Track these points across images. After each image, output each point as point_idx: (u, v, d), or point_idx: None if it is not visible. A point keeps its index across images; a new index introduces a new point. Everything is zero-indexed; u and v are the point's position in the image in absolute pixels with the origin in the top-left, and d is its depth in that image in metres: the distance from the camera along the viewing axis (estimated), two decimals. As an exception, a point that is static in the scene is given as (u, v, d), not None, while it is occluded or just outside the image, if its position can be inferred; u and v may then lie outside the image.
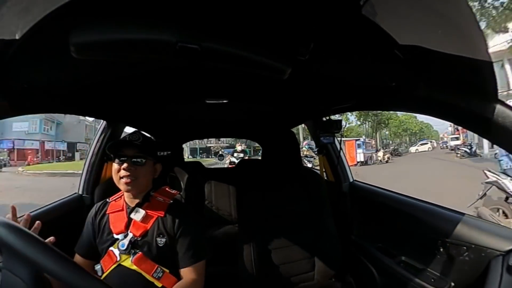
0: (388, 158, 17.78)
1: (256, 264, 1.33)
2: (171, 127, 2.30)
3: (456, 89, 0.62)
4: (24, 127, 23.89)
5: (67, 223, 1.25)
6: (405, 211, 1.26)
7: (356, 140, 15.96)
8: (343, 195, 1.71)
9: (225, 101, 1.44)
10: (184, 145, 3.00)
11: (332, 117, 1.63)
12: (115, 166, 1.08)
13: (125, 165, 1.05)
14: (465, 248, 0.96)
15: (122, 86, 1.12)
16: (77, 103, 1.21)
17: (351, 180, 1.76)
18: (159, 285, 1.01)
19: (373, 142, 22.52)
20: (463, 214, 1.04)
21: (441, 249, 1.05)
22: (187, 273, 1.05)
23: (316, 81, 1.11)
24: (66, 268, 0.52)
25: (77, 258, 1.08)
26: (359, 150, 15.71)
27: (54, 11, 0.44)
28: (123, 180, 1.05)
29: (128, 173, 1.05)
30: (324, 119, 1.63)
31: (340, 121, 1.59)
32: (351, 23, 0.57)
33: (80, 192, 1.57)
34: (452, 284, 1.02)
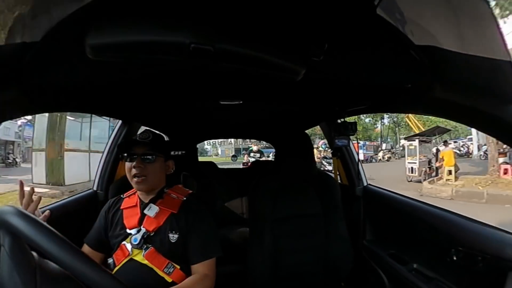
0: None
1: (266, 265, 1.32)
2: (186, 127, 2.34)
3: (473, 90, 0.59)
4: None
5: (81, 218, 1.30)
6: (419, 217, 1.22)
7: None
8: (356, 199, 1.68)
9: (239, 102, 1.45)
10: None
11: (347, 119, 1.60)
12: (127, 164, 1.12)
13: (135, 162, 1.08)
14: (480, 258, 0.91)
15: (137, 86, 1.15)
16: (94, 102, 1.25)
17: (365, 183, 1.72)
18: (169, 280, 1.03)
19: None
20: (480, 223, 0.99)
21: (455, 258, 1.00)
22: (198, 268, 1.06)
23: (330, 82, 1.10)
24: (73, 255, 0.53)
25: (85, 248, 1.12)
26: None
27: (71, 14, 0.46)
28: (135, 179, 1.09)
29: (138, 171, 1.08)
30: (338, 121, 1.60)
31: (355, 123, 1.56)
32: (366, 23, 0.56)
33: (95, 188, 1.63)
34: None
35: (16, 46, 0.48)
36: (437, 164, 9.91)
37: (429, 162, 10.49)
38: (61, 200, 1.42)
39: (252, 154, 7.86)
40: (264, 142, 5.18)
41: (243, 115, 1.96)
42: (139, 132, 1.28)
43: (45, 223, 0.56)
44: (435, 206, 1.19)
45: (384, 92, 1.00)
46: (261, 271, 1.32)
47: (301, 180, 1.49)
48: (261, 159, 7.32)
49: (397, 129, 26.50)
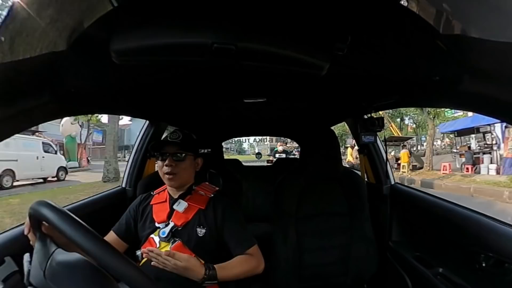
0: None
1: (289, 263, 1.33)
2: (211, 125, 2.39)
3: (505, 82, 0.55)
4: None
5: (110, 214, 1.36)
6: (448, 218, 1.15)
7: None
8: (383, 198, 1.61)
9: (263, 100, 1.46)
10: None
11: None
12: (159, 163, 1.18)
13: (167, 161, 1.14)
14: None
15: (162, 87, 1.19)
16: (121, 104, 1.32)
17: (392, 182, 1.65)
18: None
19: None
20: None
21: (484, 265, 0.93)
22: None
23: (355, 77, 1.07)
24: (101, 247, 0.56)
25: (111, 234, 1.17)
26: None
27: (95, 22, 0.50)
28: (167, 176, 1.15)
29: (170, 169, 1.14)
30: (365, 116, 1.55)
31: (382, 119, 1.50)
32: (389, 14, 0.54)
33: (124, 186, 1.71)
34: None
35: (45, 55, 0.52)
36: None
37: (397, 159, 13.39)
38: (91, 197, 1.50)
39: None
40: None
41: (267, 112, 1.95)
42: (168, 131, 1.34)
43: (74, 216, 0.60)
44: (466, 207, 1.11)
45: (411, 85, 0.95)
46: (285, 269, 1.32)
47: (326, 178, 1.47)
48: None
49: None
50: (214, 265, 1.01)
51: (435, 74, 0.74)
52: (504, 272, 0.87)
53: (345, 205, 1.42)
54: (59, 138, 15.16)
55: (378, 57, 0.79)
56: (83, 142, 15.86)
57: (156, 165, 1.22)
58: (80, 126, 15.13)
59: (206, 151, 1.71)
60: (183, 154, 1.18)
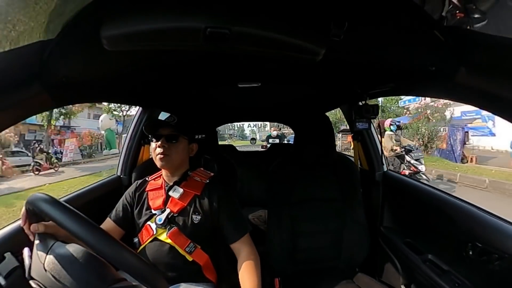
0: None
1: (284, 247, 1.35)
2: (205, 111, 2.36)
3: (501, 77, 0.55)
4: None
5: (106, 202, 1.35)
6: (438, 207, 1.17)
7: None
8: (375, 185, 1.64)
9: (257, 85, 1.43)
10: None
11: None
12: (152, 145, 1.16)
13: (160, 142, 1.13)
14: (497, 256, 0.87)
15: (155, 73, 1.16)
16: (113, 91, 1.28)
17: (385, 169, 1.67)
18: (190, 259, 1.09)
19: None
20: (503, 220, 0.94)
21: (471, 253, 0.97)
22: (240, 246, 1.11)
23: (351, 63, 1.05)
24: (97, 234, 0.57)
25: (108, 222, 1.17)
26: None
27: (83, 8, 0.47)
28: (158, 156, 1.13)
29: (162, 150, 1.12)
30: (360, 103, 1.55)
31: (377, 106, 1.50)
32: (388, 1, 0.53)
33: (119, 174, 1.69)
34: None
35: (34, 45, 0.50)
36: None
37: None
38: (86, 186, 1.49)
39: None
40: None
41: (262, 97, 1.94)
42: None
43: (71, 207, 0.60)
44: (456, 197, 1.14)
45: (406, 74, 0.94)
46: (279, 253, 1.35)
47: (320, 164, 1.48)
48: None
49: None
50: None
51: (431, 64, 0.73)
52: (489, 261, 0.90)
53: (338, 191, 1.44)
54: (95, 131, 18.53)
55: (374, 45, 0.78)
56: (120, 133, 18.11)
57: (150, 149, 1.20)
58: (116, 121, 17.30)
59: (200, 136, 1.70)
60: (177, 137, 1.16)
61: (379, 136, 1.73)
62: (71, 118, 16.90)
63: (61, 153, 14.91)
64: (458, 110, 12.79)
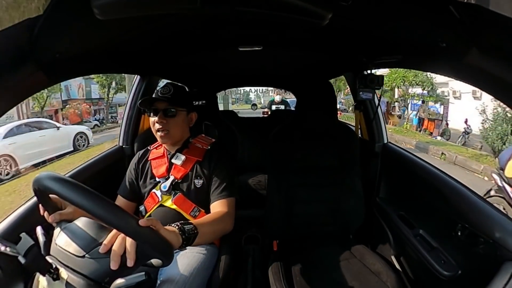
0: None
1: (282, 212, 1.41)
2: (205, 76, 2.30)
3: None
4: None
5: (110, 173, 1.38)
6: (434, 186, 1.18)
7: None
8: (374, 156, 1.65)
9: (259, 48, 1.37)
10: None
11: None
12: (151, 119, 1.16)
13: (158, 117, 1.12)
14: (482, 240, 0.91)
15: (151, 39, 1.11)
16: (109, 62, 1.24)
17: (385, 141, 1.67)
18: None
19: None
20: (493, 207, 0.96)
21: (459, 234, 1.01)
22: (217, 206, 1.10)
23: (359, 30, 1.00)
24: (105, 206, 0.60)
25: (119, 199, 1.21)
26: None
27: None
28: (159, 133, 1.13)
29: (161, 126, 1.12)
30: (365, 72, 1.50)
31: (382, 76, 1.45)
32: None
33: (121, 144, 1.70)
34: (459, 272, 1.00)
35: (22, 24, 0.47)
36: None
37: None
38: (89, 160, 1.50)
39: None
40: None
41: (264, 62, 1.87)
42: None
43: (73, 180, 0.62)
44: (453, 178, 1.15)
45: (415, 48, 0.89)
46: (277, 218, 1.41)
47: (321, 131, 1.49)
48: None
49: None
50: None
51: (442, 40, 0.69)
52: (475, 244, 0.94)
53: (337, 159, 1.46)
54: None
55: (384, 13, 0.73)
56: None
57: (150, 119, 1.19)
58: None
59: (200, 103, 1.68)
60: (175, 110, 1.15)
61: (381, 108, 1.70)
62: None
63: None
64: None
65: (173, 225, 0.73)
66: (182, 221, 0.77)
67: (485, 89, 0.68)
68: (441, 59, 0.79)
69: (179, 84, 1.42)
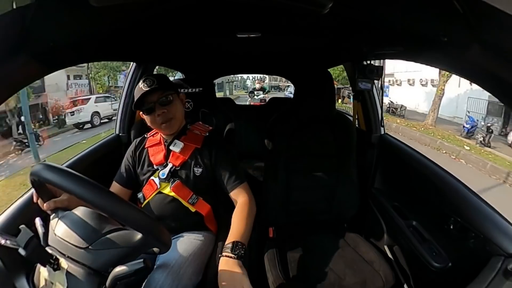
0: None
1: (278, 199, 1.43)
2: (202, 63, 2.26)
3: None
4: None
5: (107, 162, 1.37)
6: (429, 179, 1.20)
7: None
8: (371, 146, 1.67)
9: (257, 35, 1.35)
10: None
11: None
12: (150, 118, 1.14)
13: (157, 111, 1.11)
14: (473, 235, 0.93)
15: (147, 26, 1.09)
16: (104, 50, 1.22)
17: (382, 132, 1.68)
18: (193, 210, 1.15)
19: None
20: (485, 202, 0.98)
21: (452, 227, 1.03)
22: (238, 194, 1.13)
23: (360, 20, 0.98)
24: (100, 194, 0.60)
25: (114, 185, 1.20)
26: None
27: None
28: (164, 125, 1.12)
29: (164, 117, 1.11)
30: (364, 63, 1.48)
31: (382, 67, 1.44)
32: None
33: (117, 132, 1.69)
34: (450, 264, 1.02)
35: (13, 13, 0.46)
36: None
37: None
38: (86, 149, 1.49)
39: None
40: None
41: (262, 49, 1.84)
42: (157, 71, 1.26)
43: (71, 170, 0.62)
44: (447, 171, 1.17)
45: (417, 40, 0.88)
46: (274, 204, 1.44)
47: (319, 120, 1.49)
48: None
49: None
50: (231, 241, 0.94)
51: (444, 34, 0.68)
52: (465, 238, 0.97)
53: (334, 148, 1.48)
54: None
55: (386, 3, 0.72)
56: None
57: (146, 119, 1.17)
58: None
59: (197, 90, 1.65)
60: (170, 96, 1.14)
61: (380, 98, 1.69)
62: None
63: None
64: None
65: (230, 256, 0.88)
66: (233, 248, 0.90)
67: (483, 86, 0.68)
68: (441, 53, 0.78)
69: (155, 73, 1.40)
